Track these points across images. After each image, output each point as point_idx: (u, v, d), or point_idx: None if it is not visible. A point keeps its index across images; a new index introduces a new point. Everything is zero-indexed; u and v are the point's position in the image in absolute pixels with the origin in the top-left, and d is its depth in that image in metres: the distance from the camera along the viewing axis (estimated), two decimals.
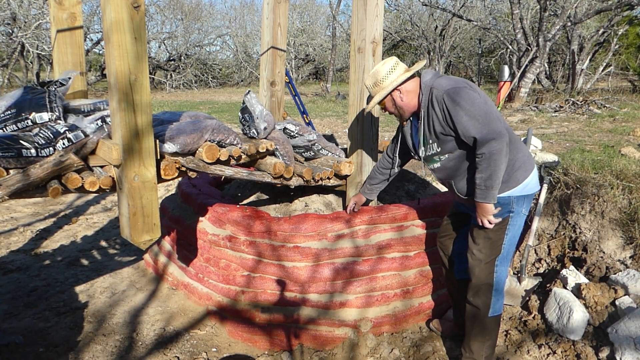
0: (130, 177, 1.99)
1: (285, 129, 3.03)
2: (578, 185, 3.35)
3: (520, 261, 3.17)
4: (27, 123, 2.22)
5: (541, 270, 3.32)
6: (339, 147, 3.35)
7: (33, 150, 2.02)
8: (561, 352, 2.60)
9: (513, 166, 2.26)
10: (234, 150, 2.53)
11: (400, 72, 2.34)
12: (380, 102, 2.41)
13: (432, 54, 19.31)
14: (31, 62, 16.08)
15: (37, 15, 14.14)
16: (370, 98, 2.48)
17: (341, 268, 2.80)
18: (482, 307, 2.41)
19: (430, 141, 2.33)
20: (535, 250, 3.42)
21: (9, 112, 2.24)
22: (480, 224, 2.31)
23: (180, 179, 3.34)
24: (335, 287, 2.79)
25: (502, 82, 9.56)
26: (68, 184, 2.04)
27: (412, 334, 2.86)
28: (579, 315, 2.65)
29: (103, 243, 4.33)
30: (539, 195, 3.35)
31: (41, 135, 2.08)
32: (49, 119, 2.25)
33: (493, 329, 2.47)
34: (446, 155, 2.32)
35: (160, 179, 2.22)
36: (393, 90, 2.34)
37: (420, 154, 2.43)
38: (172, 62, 21.54)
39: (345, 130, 8.15)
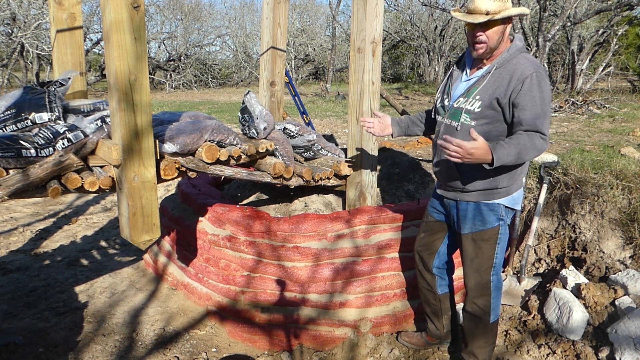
0: (130, 177, 1.99)
1: (285, 129, 3.04)
2: (578, 186, 3.35)
3: (520, 261, 3.17)
4: (27, 123, 2.22)
5: (541, 270, 3.32)
6: (339, 147, 3.35)
7: (33, 151, 2.02)
8: (561, 352, 2.60)
9: (512, 177, 2.22)
10: (234, 150, 2.53)
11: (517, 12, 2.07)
12: (489, 24, 2.04)
13: (431, 54, 19.32)
14: (31, 62, 16.05)
15: (36, 16, 14.11)
16: (475, 10, 2.03)
17: (341, 268, 2.80)
18: (483, 315, 2.40)
19: (478, 97, 2.12)
20: (535, 250, 3.42)
21: (9, 112, 2.24)
22: (448, 152, 1.98)
23: (180, 179, 3.34)
24: (335, 287, 2.79)
25: None
26: (68, 184, 2.04)
27: None
28: (578, 315, 2.65)
29: (103, 243, 4.33)
30: (539, 195, 3.35)
31: (41, 135, 2.08)
32: (49, 119, 2.25)
33: (495, 333, 2.49)
34: (476, 121, 2.13)
35: (160, 179, 2.22)
36: (510, 19, 2.06)
37: (449, 102, 2.23)
38: (172, 62, 21.51)
39: (345, 130, 8.14)
